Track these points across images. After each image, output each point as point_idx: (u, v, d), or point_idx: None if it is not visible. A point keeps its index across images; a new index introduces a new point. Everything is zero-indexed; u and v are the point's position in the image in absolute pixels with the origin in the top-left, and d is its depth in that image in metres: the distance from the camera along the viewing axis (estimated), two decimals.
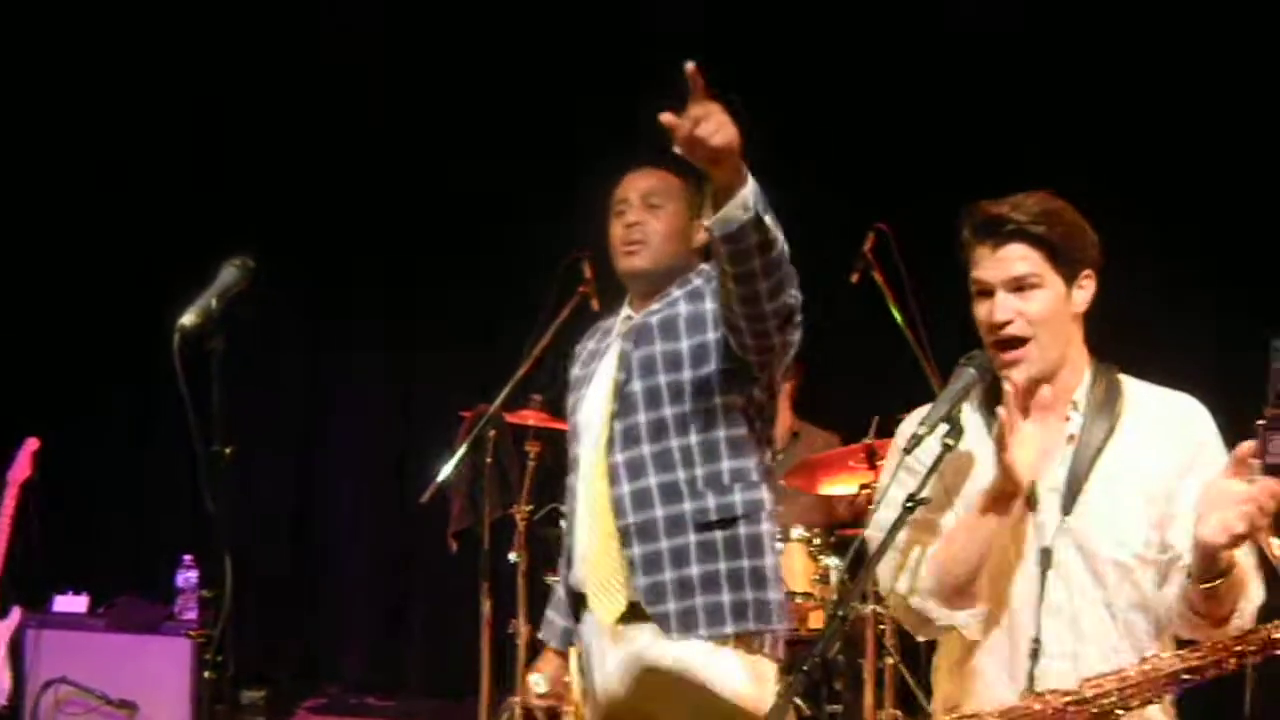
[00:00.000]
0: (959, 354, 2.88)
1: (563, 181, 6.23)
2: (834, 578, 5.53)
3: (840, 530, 5.97)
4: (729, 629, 3.42)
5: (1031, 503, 2.82)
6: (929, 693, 3.13)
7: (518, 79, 7.50)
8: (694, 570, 3.42)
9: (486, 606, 5.80)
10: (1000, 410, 2.76)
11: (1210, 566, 2.61)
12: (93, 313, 7.44)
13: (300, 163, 7.78)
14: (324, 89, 7.73)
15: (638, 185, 3.64)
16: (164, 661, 6.16)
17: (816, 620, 5.55)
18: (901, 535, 2.76)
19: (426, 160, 7.72)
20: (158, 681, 6.13)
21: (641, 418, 3.48)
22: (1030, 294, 2.81)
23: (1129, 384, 2.91)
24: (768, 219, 3.15)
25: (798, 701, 3.10)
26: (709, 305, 3.51)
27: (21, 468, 6.48)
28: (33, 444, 6.53)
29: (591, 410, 3.61)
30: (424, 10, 7.70)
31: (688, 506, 3.44)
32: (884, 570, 2.85)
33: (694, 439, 3.46)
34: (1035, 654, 2.77)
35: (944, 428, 2.72)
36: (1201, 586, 2.64)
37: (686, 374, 3.47)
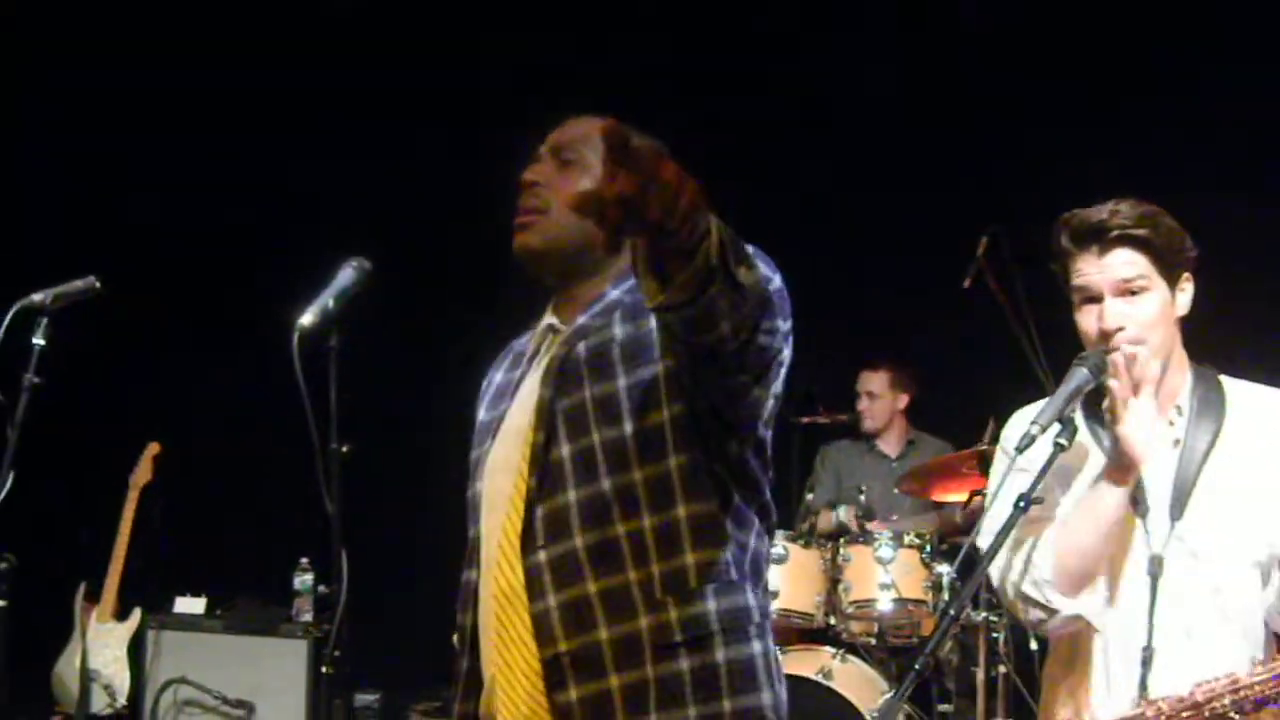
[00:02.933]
0: (1072, 358, 2.87)
1: None
2: (946, 584, 5.51)
3: (952, 537, 5.95)
4: None
5: (1140, 509, 2.81)
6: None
7: None
8: None
9: None
10: (1113, 383, 2.74)
11: None
12: (213, 316, 7.54)
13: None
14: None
15: (555, 134, 2.67)
16: (281, 662, 6.23)
17: (929, 627, 5.54)
18: (1014, 535, 2.75)
19: None
20: (274, 682, 6.20)
21: (571, 495, 2.47)
22: (1138, 298, 2.79)
23: (1230, 385, 2.89)
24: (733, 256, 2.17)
25: (908, 705, 3.00)
26: (654, 320, 2.47)
27: (143, 472, 6.60)
28: (153, 448, 6.65)
29: (498, 483, 2.59)
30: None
31: (643, 622, 2.44)
32: (1000, 569, 2.84)
33: (646, 521, 2.45)
34: (1148, 661, 2.75)
35: (1057, 427, 2.70)
36: None
37: (628, 426, 2.46)
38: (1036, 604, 2.81)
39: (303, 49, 7.28)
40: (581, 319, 2.59)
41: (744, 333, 2.28)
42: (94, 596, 6.46)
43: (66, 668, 6.31)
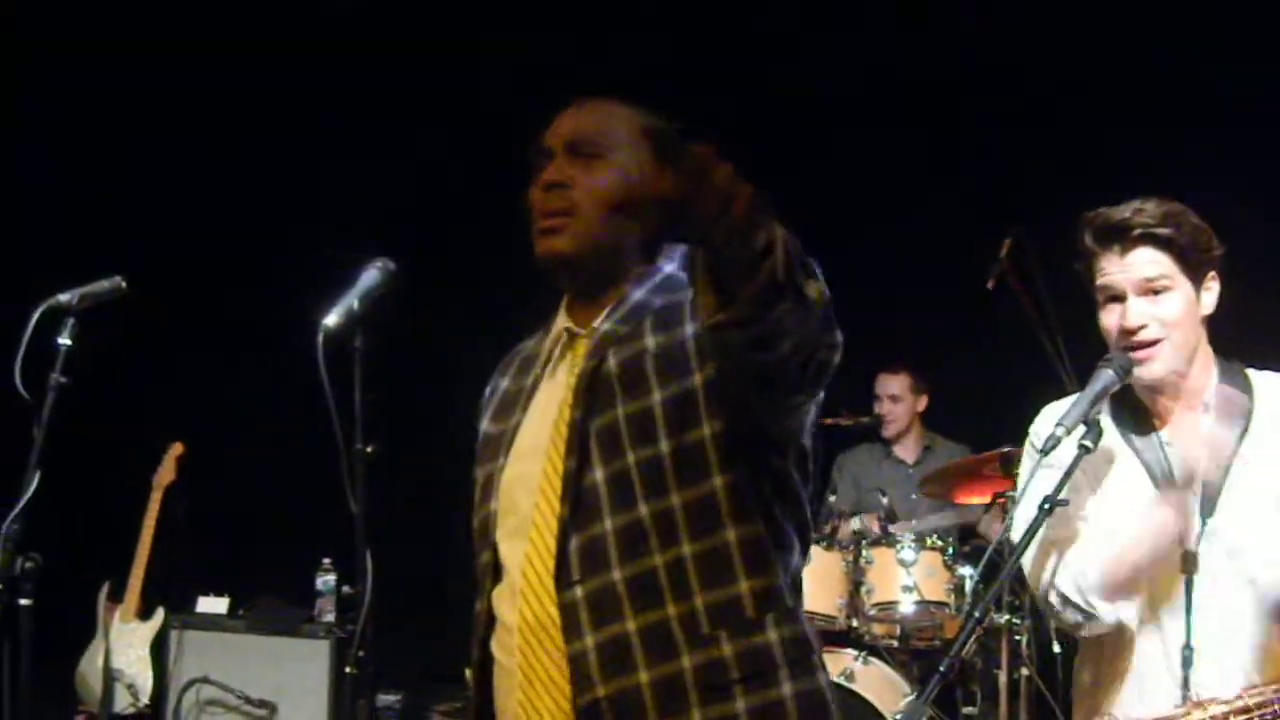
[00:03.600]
0: (1095, 359, 2.87)
1: None
2: (968, 587, 5.51)
3: (974, 539, 5.94)
4: None
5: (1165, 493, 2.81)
6: (1064, 704, 3.11)
7: None
8: None
9: None
10: (1152, 406, 2.75)
11: None
12: (237, 317, 7.56)
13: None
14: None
15: (563, 126, 2.46)
16: (303, 663, 6.23)
17: (952, 630, 5.53)
18: (1045, 535, 2.74)
19: None
20: (297, 682, 6.20)
21: (608, 524, 2.28)
22: (1162, 297, 2.79)
23: (1257, 377, 2.89)
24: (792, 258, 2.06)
25: (932, 709, 2.97)
26: (689, 329, 2.33)
27: (166, 472, 6.61)
28: (177, 449, 6.67)
29: (519, 506, 2.39)
30: None
31: (688, 662, 2.24)
32: (1035, 570, 2.83)
33: (688, 549, 2.27)
34: (1188, 660, 2.74)
35: (1082, 429, 2.70)
36: None
37: (665, 445, 2.28)
38: (1077, 608, 2.80)
39: (302, 49, 7.28)
40: (603, 324, 2.41)
41: (808, 349, 2.14)
42: (117, 596, 6.48)
43: (90, 667, 6.32)
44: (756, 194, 1.98)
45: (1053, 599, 2.85)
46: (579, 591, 2.27)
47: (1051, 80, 6.85)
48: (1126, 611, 2.80)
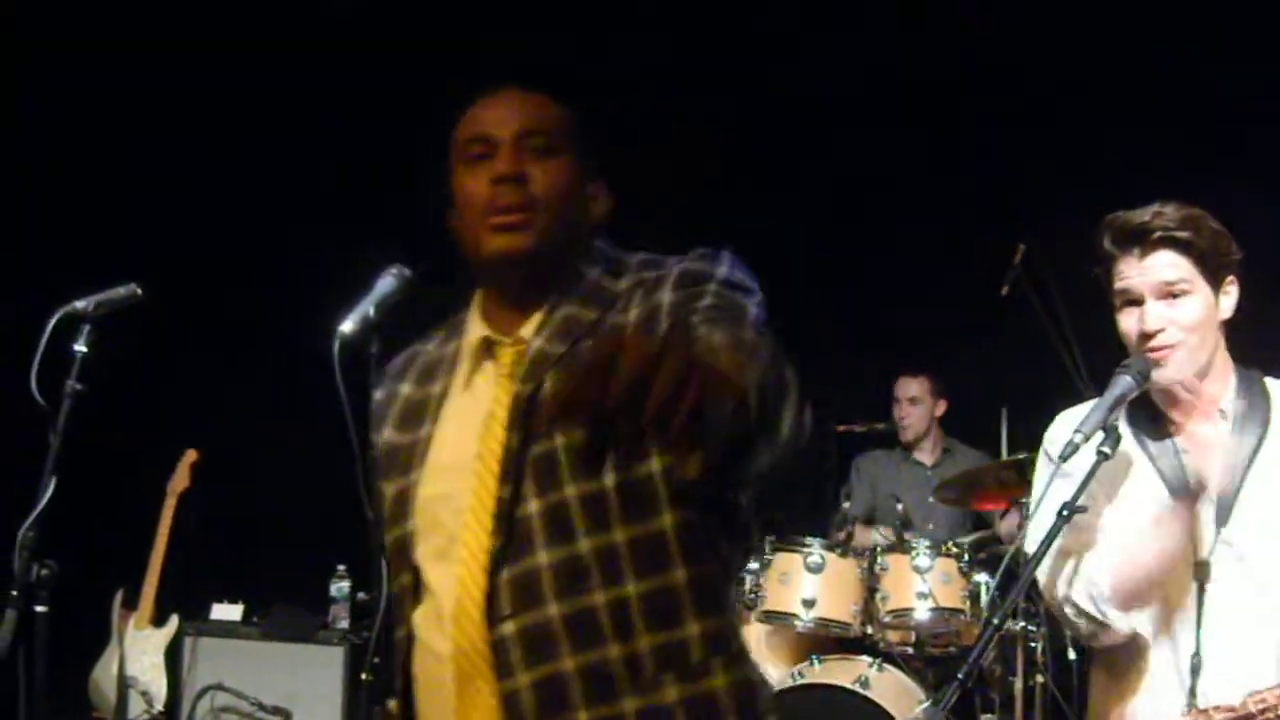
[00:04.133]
0: (1110, 366, 2.86)
1: None
2: (984, 595, 5.50)
3: (991, 547, 5.93)
4: None
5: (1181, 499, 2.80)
6: (1080, 710, 3.10)
7: None
8: None
9: None
10: (1169, 412, 2.74)
11: None
12: (246, 325, 7.56)
13: None
14: None
15: (510, 116, 2.28)
16: (318, 669, 6.22)
17: (967, 637, 5.53)
18: (1061, 543, 2.74)
19: None
20: (311, 689, 6.19)
21: (542, 558, 2.12)
22: (1180, 301, 2.79)
23: (1274, 386, 2.88)
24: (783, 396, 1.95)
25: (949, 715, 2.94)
26: (634, 313, 2.21)
27: (180, 479, 6.61)
28: (191, 455, 6.67)
29: (444, 525, 2.22)
30: None
31: (630, 705, 2.10)
32: (1050, 578, 2.83)
33: (633, 588, 2.11)
34: (1196, 669, 2.74)
35: (1100, 435, 2.69)
36: None
37: (609, 479, 2.11)
38: (1091, 618, 2.79)
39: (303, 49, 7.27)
40: (534, 339, 2.23)
41: (786, 458, 1.99)
42: (131, 603, 6.47)
43: (104, 674, 6.32)
44: (757, 362, 1.86)
45: (1067, 609, 2.84)
46: (511, 626, 2.12)
47: (1052, 80, 6.83)
48: (1140, 621, 2.79)
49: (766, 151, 7.18)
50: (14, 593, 3.41)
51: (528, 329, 2.25)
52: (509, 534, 2.13)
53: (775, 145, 7.13)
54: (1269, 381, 2.90)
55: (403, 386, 2.39)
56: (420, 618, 2.25)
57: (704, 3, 7.20)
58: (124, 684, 6.20)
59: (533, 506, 2.13)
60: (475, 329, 2.31)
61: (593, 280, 2.27)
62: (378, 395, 2.44)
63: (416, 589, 2.26)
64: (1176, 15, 6.53)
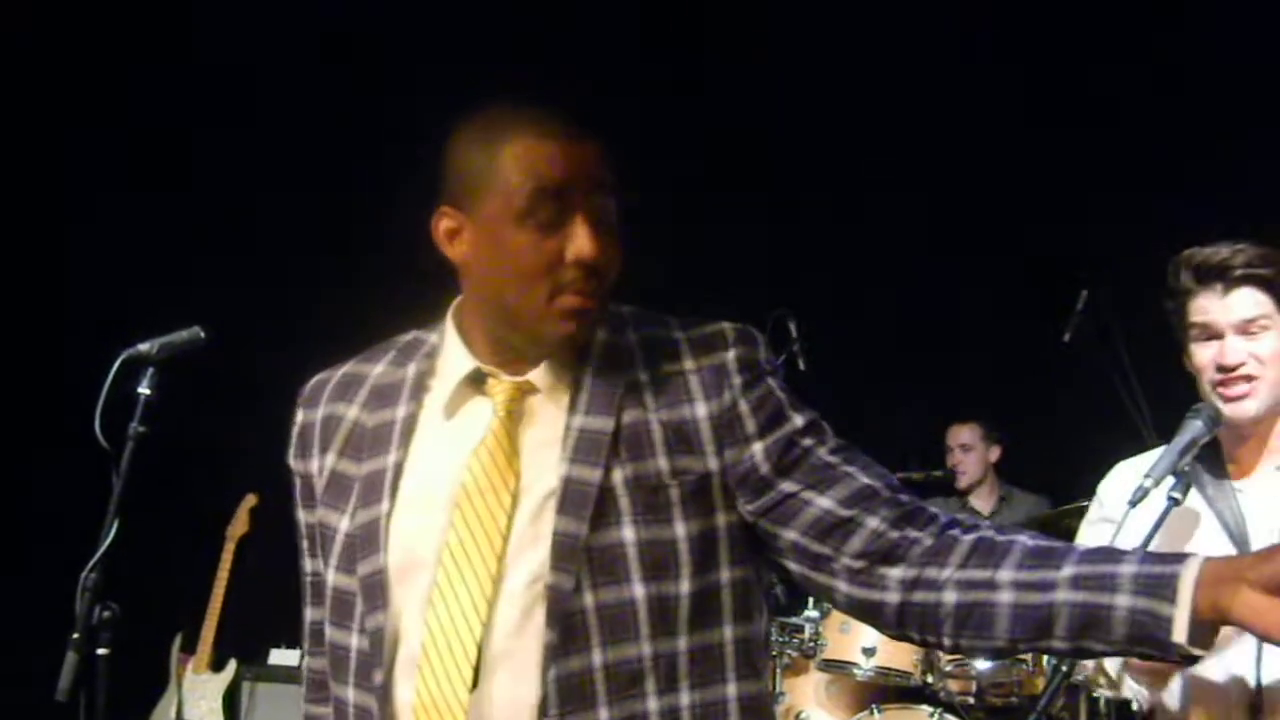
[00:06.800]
0: (1173, 412, 2.85)
1: None
2: None
3: None
4: None
5: (1244, 551, 2.76)
6: None
7: None
8: None
9: None
10: (1233, 453, 2.72)
11: None
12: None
13: None
14: None
15: (584, 161, 2.00)
16: None
17: (1029, 686, 5.48)
18: None
19: None
20: None
21: (596, 658, 1.95)
22: (1260, 336, 2.79)
23: None
24: None
25: None
26: (700, 408, 2.03)
27: (240, 524, 6.65)
28: (251, 500, 6.70)
29: (433, 570, 1.99)
30: None
31: None
32: None
33: (683, 643, 1.98)
34: (1258, 709, 2.70)
35: (1171, 480, 2.67)
36: None
37: (685, 585, 1.99)
38: (1110, 679, 2.78)
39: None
40: (570, 415, 2.02)
41: None
42: (190, 647, 6.50)
43: (162, 718, 6.34)
44: None
45: (1088, 662, 2.82)
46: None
47: (1118, 127, 6.80)
48: (1163, 695, 2.76)
49: (824, 195, 7.17)
50: (76, 635, 3.40)
51: (535, 374, 2.06)
52: (566, 629, 1.93)
53: (836, 189, 7.12)
54: None
55: (346, 409, 2.18)
56: (399, 672, 2.02)
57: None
58: None
59: (589, 600, 1.94)
60: (458, 358, 2.09)
61: (601, 338, 2.08)
62: (305, 417, 2.24)
63: (383, 646, 2.03)
64: (1244, 60, 6.51)
